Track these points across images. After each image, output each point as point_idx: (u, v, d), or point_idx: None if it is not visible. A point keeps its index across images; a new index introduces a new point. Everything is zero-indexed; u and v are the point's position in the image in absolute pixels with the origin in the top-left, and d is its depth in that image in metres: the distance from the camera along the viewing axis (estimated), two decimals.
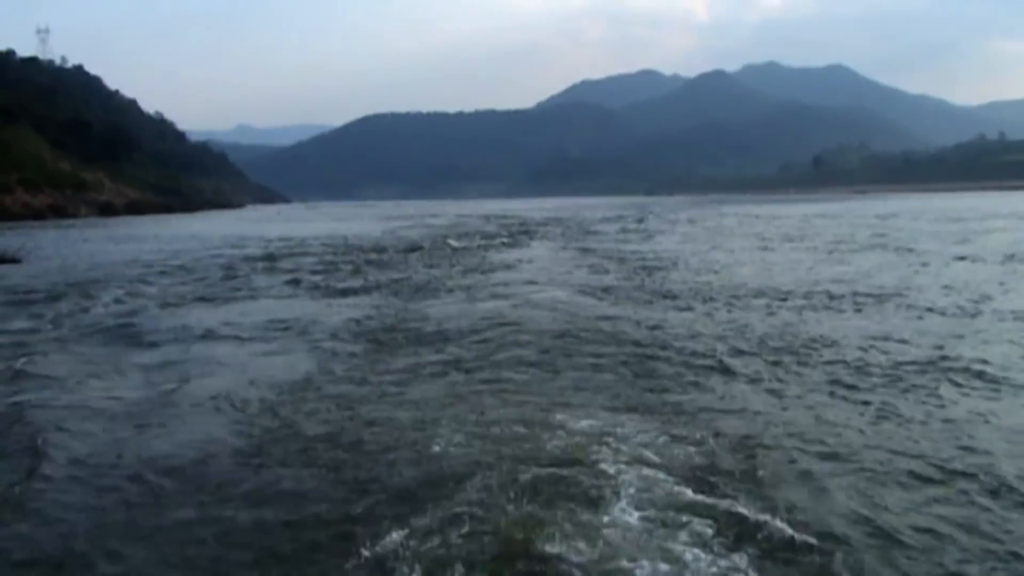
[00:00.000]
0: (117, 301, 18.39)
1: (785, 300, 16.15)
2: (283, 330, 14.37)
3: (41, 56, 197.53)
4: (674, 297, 17.32)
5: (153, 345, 13.33)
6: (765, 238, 36.93)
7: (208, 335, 14.02)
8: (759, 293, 17.27)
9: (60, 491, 6.63)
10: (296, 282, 22.00)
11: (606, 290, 18.75)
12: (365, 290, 20.04)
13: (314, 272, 24.51)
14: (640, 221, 58.02)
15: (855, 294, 16.93)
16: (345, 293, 19.43)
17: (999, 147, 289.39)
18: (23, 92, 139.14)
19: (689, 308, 15.60)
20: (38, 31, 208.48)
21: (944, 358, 10.76)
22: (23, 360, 11.78)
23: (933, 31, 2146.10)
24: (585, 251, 31.77)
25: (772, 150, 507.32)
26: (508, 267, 25.71)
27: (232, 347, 12.93)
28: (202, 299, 18.68)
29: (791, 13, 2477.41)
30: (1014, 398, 8.92)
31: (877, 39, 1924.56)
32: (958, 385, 9.46)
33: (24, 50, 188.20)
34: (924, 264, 23.62)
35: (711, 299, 16.68)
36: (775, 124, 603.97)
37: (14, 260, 28.39)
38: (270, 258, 30.46)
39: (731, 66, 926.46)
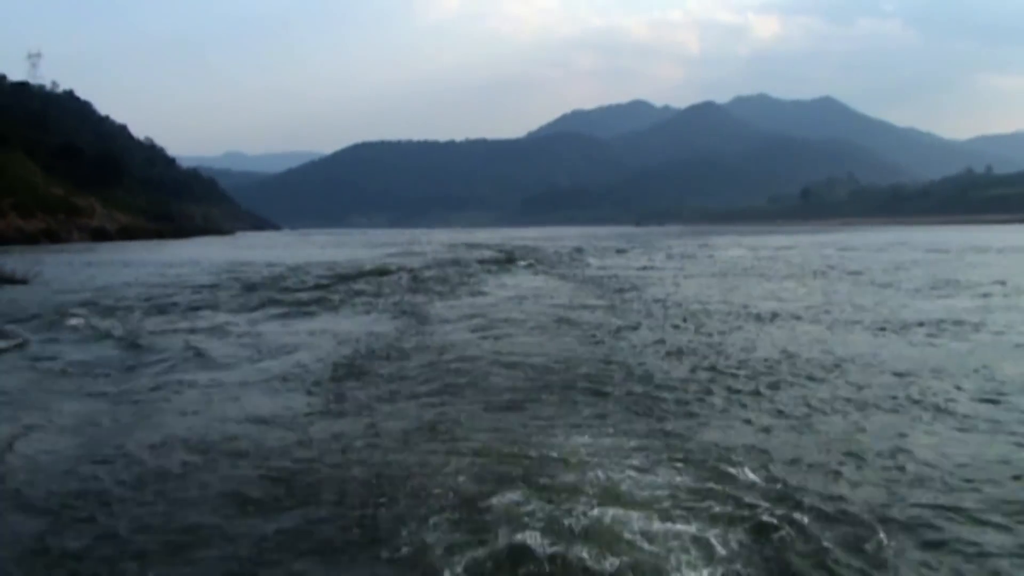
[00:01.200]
0: (123, 318, 18.95)
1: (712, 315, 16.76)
2: (290, 337, 15.78)
3: (32, 81, 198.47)
4: (636, 312, 19.31)
5: (159, 352, 14.21)
6: (744, 267, 37.67)
7: (218, 346, 14.98)
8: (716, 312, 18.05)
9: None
10: (298, 301, 22.76)
11: (581, 306, 20.81)
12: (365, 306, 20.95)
13: (321, 292, 25.03)
14: (621, 252, 58.43)
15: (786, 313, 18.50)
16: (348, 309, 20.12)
17: (986, 181, 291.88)
18: (14, 117, 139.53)
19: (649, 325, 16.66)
20: (29, 56, 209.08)
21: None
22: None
23: (922, 66, 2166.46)
24: (563, 277, 33.31)
25: (762, 181, 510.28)
26: (498, 287, 27.14)
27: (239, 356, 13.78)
28: (211, 318, 19.07)
29: (782, 46, 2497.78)
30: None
31: (867, 73, 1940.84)
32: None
33: (14, 74, 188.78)
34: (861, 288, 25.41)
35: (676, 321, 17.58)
36: (765, 156, 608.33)
37: (22, 281, 28.77)
38: (271, 280, 31.15)
39: (721, 98, 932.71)
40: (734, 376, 11.18)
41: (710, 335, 15.07)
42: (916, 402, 9.68)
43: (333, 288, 26.97)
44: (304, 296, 24.11)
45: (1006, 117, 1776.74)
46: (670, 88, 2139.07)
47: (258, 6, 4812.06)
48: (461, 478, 6.77)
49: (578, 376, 11.19)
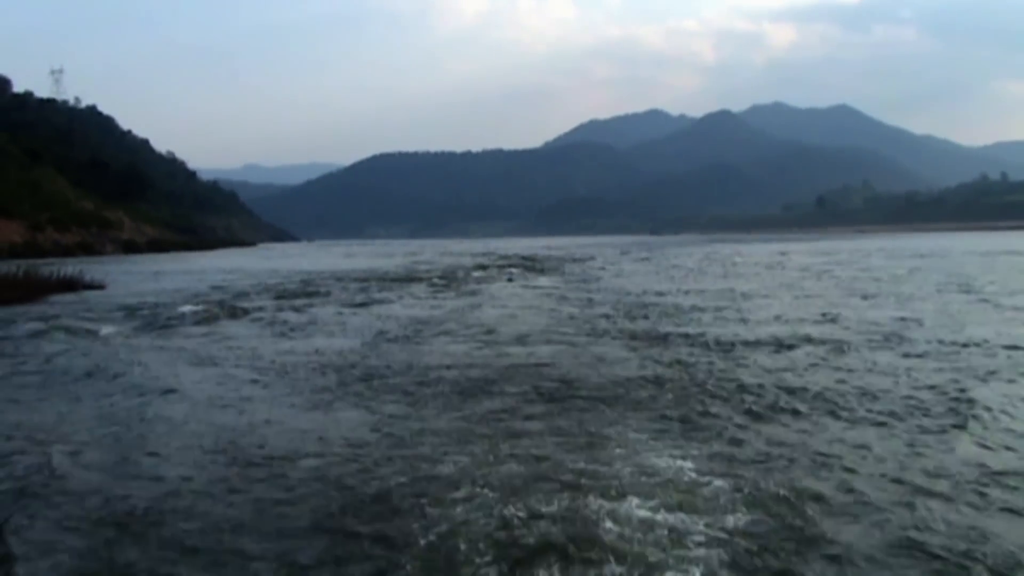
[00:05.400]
0: (201, 306, 23.23)
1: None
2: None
3: (56, 96, 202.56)
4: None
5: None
6: (742, 273, 40.41)
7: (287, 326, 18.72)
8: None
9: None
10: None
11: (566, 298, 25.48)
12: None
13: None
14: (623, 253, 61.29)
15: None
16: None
17: (1001, 188, 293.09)
18: (42, 133, 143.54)
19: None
20: (52, 72, 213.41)
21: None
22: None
23: (939, 72, 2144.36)
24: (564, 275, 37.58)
25: (778, 189, 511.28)
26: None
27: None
28: (267, 312, 22.22)
29: (797, 54, 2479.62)
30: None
31: (883, 80, 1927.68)
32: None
33: (33, 89, 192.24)
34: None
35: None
36: (781, 164, 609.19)
37: (100, 287, 31.76)
38: (314, 283, 35.01)
39: (737, 106, 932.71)
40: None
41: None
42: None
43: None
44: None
45: None
46: (686, 97, 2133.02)
47: (273, 19, 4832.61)
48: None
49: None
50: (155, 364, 13.48)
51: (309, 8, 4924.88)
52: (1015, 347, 13.54)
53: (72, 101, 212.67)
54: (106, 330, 17.67)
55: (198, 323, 19.44)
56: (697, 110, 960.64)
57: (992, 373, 11.47)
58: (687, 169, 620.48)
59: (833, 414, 9.27)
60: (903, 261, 46.68)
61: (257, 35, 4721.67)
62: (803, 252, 66.98)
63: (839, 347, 13.81)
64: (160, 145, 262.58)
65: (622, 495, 6.44)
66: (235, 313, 21.62)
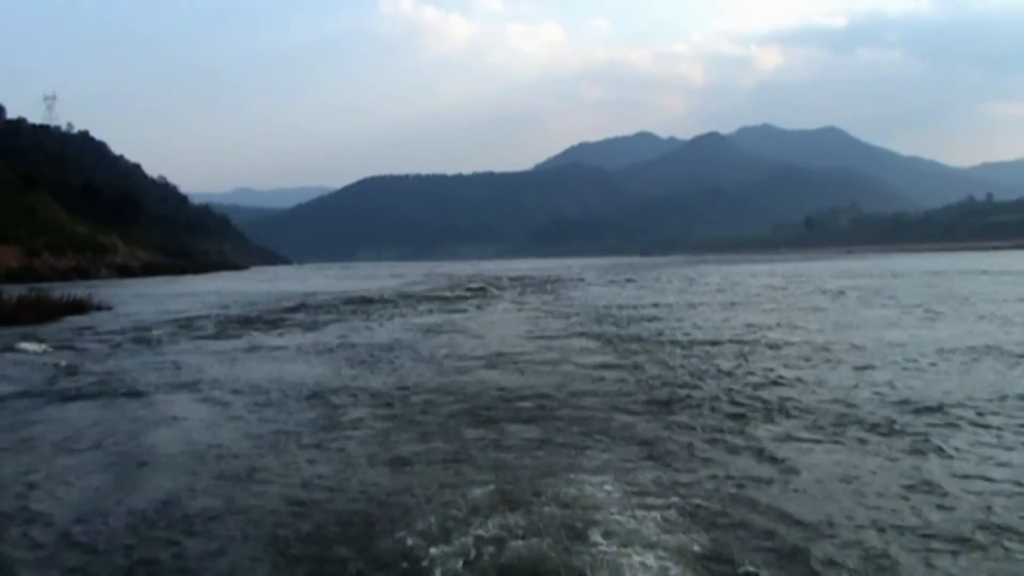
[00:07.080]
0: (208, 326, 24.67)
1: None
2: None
3: (49, 123, 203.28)
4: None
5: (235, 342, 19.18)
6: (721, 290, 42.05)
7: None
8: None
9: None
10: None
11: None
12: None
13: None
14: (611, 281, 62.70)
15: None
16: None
17: (986, 208, 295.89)
18: (36, 159, 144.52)
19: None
20: (45, 98, 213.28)
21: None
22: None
23: (926, 94, 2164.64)
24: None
25: (767, 211, 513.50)
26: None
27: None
28: (262, 328, 23.51)
29: (786, 76, 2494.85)
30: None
31: (870, 102, 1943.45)
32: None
33: (26, 115, 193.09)
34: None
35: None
36: (770, 185, 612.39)
37: (107, 308, 33.00)
38: (305, 303, 36.54)
39: (726, 128, 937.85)
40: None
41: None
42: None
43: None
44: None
45: (1011, 144, 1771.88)
46: (675, 119, 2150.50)
47: (263, 44, 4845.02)
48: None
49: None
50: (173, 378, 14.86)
51: (299, 32, 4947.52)
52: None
53: (65, 127, 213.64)
54: (127, 343, 19.10)
55: (208, 339, 20.77)
56: (686, 132, 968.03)
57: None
58: (677, 191, 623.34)
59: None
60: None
61: (248, 60, 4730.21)
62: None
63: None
64: (152, 170, 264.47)
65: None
66: (235, 332, 23.00)
